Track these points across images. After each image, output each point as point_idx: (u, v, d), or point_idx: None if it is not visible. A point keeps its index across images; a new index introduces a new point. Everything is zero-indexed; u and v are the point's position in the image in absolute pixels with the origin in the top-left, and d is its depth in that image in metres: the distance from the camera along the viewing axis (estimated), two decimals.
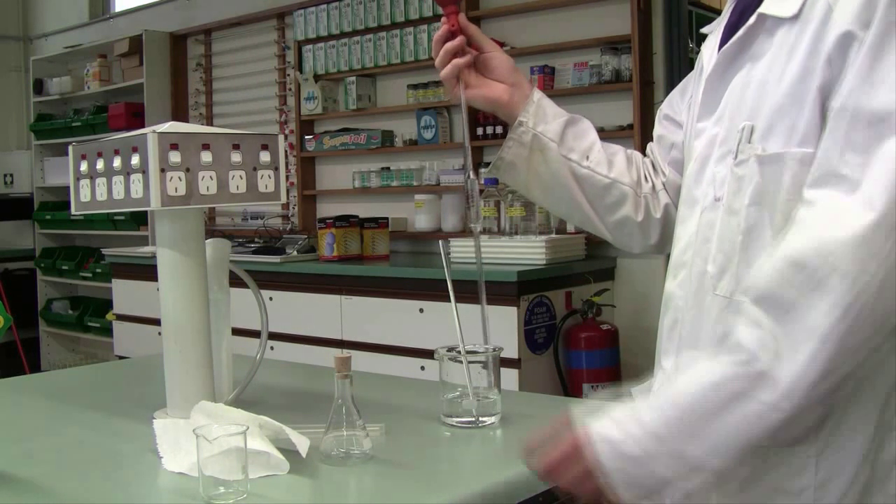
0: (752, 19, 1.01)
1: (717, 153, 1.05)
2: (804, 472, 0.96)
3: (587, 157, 1.28)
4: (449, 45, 1.26)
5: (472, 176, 1.29)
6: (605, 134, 3.62)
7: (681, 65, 3.44)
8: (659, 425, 0.91)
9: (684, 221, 1.11)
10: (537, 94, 1.29)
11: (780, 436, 0.91)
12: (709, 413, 0.89)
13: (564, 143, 1.28)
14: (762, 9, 1.00)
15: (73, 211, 1.44)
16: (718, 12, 1.19)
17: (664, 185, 1.31)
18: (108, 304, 5.15)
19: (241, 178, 1.35)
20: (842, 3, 0.91)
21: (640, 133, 3.44)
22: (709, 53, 1.13)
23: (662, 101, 1.35)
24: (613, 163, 1.30)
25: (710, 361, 0.91)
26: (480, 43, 1.29)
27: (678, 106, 1.28)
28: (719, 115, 1.06)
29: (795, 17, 0.96)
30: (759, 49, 1.01)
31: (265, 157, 1.38)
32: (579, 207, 1.30)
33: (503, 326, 3.11)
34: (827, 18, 0.92)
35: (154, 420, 1.24)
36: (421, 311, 3.35)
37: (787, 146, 0.95)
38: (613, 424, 0.93)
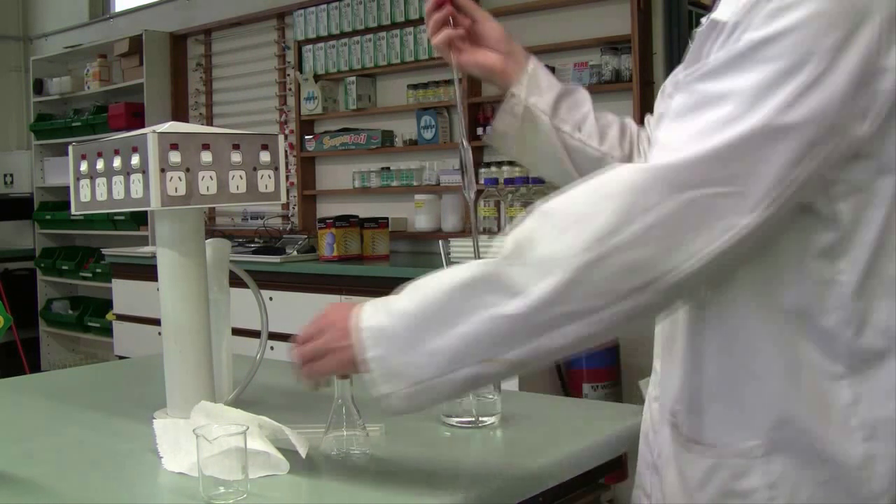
0: (703, 24, 1.01)
1: None
2: (753, 473, 0.95)
3: (579, 129, 1.28)
4: (437, 15, 1.28)
5: (465, 144, 1.28)
6: None
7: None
8: (412, 317, 0.94)
9: None
10: (532, 65, 1.28)
11: (522, 348, 0.91)
12: (453, 311, 0.92)
13: (557, 114, 1.27)
14: (713, 13, 0.99)
15: (73, 211, 1.44)
16: None
17: None
18: (108, 304, 5.14)
19: (241, 178, 1.35)
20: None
21: None
22: None
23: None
24: (606, 135, 1.30)
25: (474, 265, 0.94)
26: (472, 13, 1.29)
27: None
28: None
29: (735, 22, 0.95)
30: (708, 54, 1.00)
31: (265, 157, 1.38)
32: (570, 178, 1.29)
33: None
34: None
35: (154, 420, 1.24)
36: None
37: None
38: (380, 310, 0.97)
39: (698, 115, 0.88)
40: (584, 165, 1.29)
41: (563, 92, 1.29)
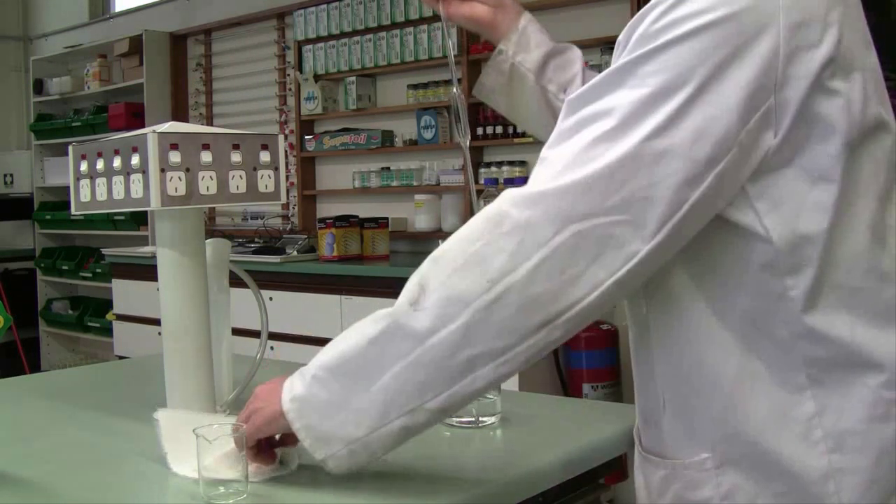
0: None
1: None
2: (705, 485, 0.94)
3: (564, 90, 1.27)
4: None
5: (456, 91, 1.28)
6: None
7: None
8: (332, 380, 0.95)
9: None
10: (524, 21, 1.27)
11: (438, 390, 0.92)
12: (371, 366, 0.92)
13: (544, 74, 1.26)
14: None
15: (73, 211, 1.44)
16: None
17: None
18: (108, 304, 5.15)
19: (241, 178, 1.35)
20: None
21: None
22: None
23: None
24: None
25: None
26: None
27: None
28: None
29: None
30: None
31: (265, 157, 1.38)
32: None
33: None
34: None
35: (157, 415, 1.23)
36: None
37: None
38: (303, 379, 0.98)
39: (578, 134, 0.86)
40: None
41: (553, 51, 1.27)
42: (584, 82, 1.27)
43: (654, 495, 1.01)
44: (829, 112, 0.85)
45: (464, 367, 0.89)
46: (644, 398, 1.03)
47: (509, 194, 0.88)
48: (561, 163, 0.86)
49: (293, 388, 0.99)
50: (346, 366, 0.94)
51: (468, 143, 1.29)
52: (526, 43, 1.26)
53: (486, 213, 0.89)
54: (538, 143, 3.42)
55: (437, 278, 0.90)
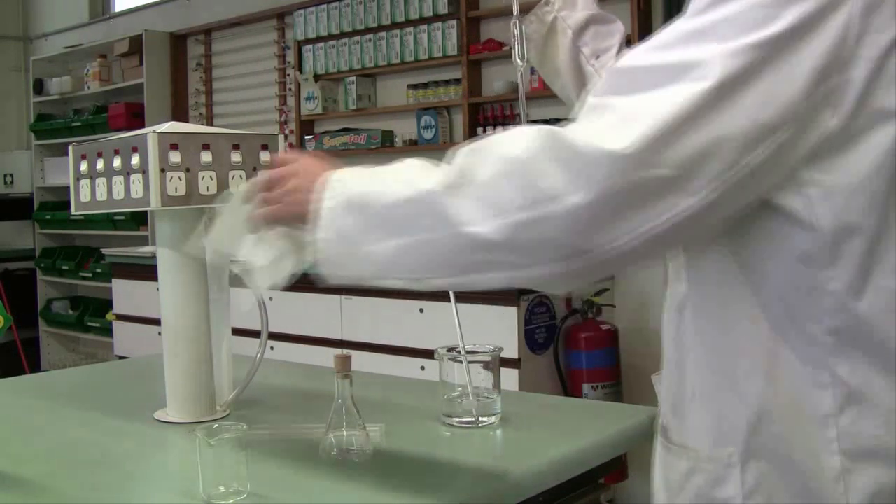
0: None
1: None
2: (728, 482, 0.93)
3: (597, 58, 1.30)
4: None
5: (516, 22, 1.32)
6: None
7: None
8: (361, 214, 0.95)
9: None
10: None
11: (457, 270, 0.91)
12: (395, 223, 0.92)
13: (582, 35, 1.30)
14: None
15: (73, 211, 1.44)
16: None
17: None
18: (108, 304, 5.14)
19: (241, 178, 1.35)
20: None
21: None
22: None
23: None
24: None
25: (417, 168, 0.95)
26: None
27: None
28: None
29: None
30: None
31: (265, 157, 1.38)
32: (574, 99, 1.32)
33: (503, 326, 3.11)
34: None
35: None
36: (421, 311, 3.35)
37: None
38: (341, 193, 0.98)
39: (654, 87, 0.82)
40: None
41: (597, 16, 1.31)
42: (617, 56, 1.29)
43: (673, 492, 0.99)
44: (890, 100, 0.82)
45: (482, 266, 0.88)
46: (673, 387, 1.01)
47: (580, 126, 0.84)
48: (634, 112, 0.82)
49: (333, 198, 0.98)
50: (378, 209, 0.93)
51: (521, 67, 1.31)
52: (573, 1, 1.31)
53: (541, 130, 0.84)
54: None
55: (480, 173, 0.86)
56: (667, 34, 0.85)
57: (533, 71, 3.78)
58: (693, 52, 0.81)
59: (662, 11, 3.51)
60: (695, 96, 0.79)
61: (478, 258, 0.88)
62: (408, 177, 0.94)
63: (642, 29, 3.48)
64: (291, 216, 1.04)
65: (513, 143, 0.86)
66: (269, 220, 1.07)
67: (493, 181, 0.85)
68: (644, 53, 0.85)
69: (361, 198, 0.95)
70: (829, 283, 0.86)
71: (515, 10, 1.33)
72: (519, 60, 1.32)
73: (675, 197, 0.81)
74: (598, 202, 0.81)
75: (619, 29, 1.32)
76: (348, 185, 0.98)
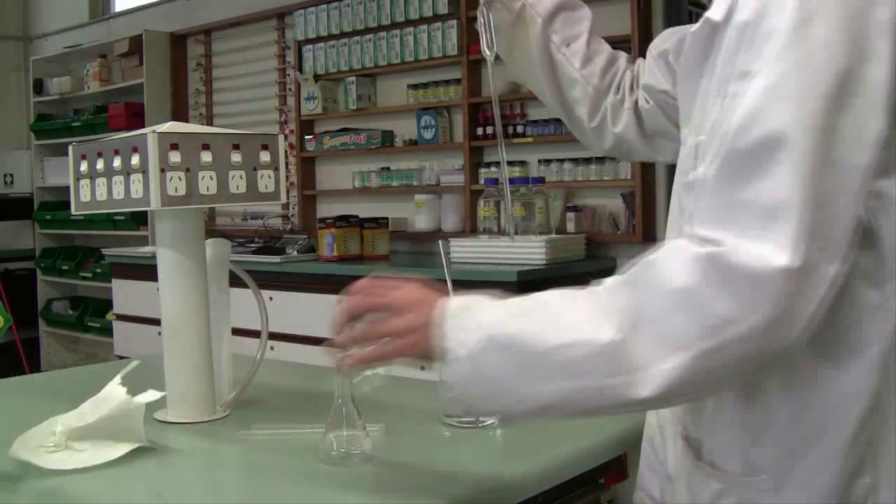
0: (697, 24, 0.96)
1: (687, 165, 1.00)
2: None
3: (567, 45, 1.28)
4: None
5: (482, 7, 1.29)
6: None
7: None
8: (508, 357, 0.87)
9: (678, 229, 1.08)
10: None
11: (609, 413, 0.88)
12: (557, 367, 0.85)
13: (551, 23, 1.28)
14: (708, 12, 0.94)
15: (73, 211, 1.44)
16: None
17: (636, 105, 1.30)
18: (108, 304, 5.15)
19: (241, 178, 1.35)
20: (732, 23, 0.86)
21: None
22: None
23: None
24: (591, 61, 1.29)
25: (578, 309, 0.87)
26: None
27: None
28: (693, 125, 1.01)
29: (724, 22, 0.89)
30: (714, 58, 0.94)
31: (265, 157, 1.38)
32: (544, 89, 1.31)
33: None
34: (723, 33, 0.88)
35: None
36: None
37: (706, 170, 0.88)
38: (473, 329, 0.89)
39: (763, 171, 0.80)
40: (561, 83, 1.29)
41: (566, 3, 1.29)
42: (587, 45, 1.29)
43: None
44: None
45: (653, 405, 0.88)
46: (705, 404, 0.99)
47: (729, 240, 0.80)
48: (768, 210, 0.79)
49: (458, 334, 0.89)
50: (531, 350, 0.86)
51: (493, 57, 1.25)
52: None
53: (695, 255, 0.81)
54: (538, 143, 3.45)
55: (649, 312, 0.82)
56: (748, 96, 0.82)
57: None
58: (773, 121, 0.80)
59: (662, 11, 3.50)
60: (804, 175, 0.78)
61: (671, 400, 0.87)
62: (572, 319, 0.86)
63: (642, 29, 3.48)
64: (414, 354, 0.93)
65: (670, 273, 0.82)
66: (385, 359, 0.96)
67: (665, 317, 0.81)
68: (737, 135, 0.82)
69: (510, 338, 0.87)
70: (888, 301, 0.85)
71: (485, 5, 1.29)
72: (487, 50, 1.28)
73: (831, 271, 0.80)
74: (777, 316, 0.79)
75: (587, 15, 1.31)
76: (486, 321, 0.89)
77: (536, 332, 0.86)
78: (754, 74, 0.82)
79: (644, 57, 1.34)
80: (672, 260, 0.83)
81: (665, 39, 1.28)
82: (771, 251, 0.78)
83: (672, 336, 0.81)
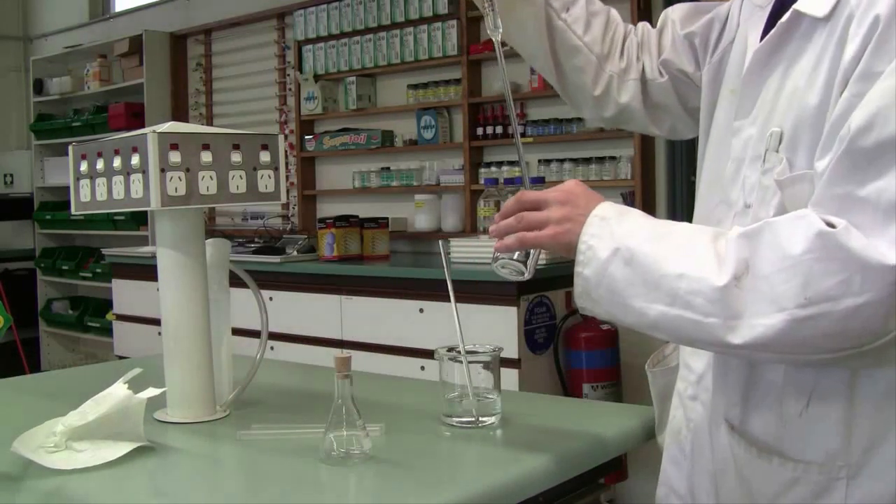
0: (786, 16, 0.97)
1: (750, 155, 1.02)
2: (832, 493, 0.93)
3: (567, 10, 1.26)
4: None
5: None
6: (606, 133, 3.62)
7: None
8: (633, 270, 0.96)
9: (721, 222, 1.08)
10: None
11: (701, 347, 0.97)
12: (670, 291, 0.93)
13: None
14: (797, 5, 0.96)
15: (73, 211, 1.44)
16: None
17: (643, 75, 1.29)
18: (108, 304, 5.14)
19: (241, 178, 1.35)
20: (859, 16, 0.88)
21: (639, 134, 3.44)
22: (754, 37, 1.07)
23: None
24: (591, 25, 1.27)
25: (701, 248, 0.93)
26: None
27: (693, 43, 1.25)
28: (754, 116, 1.03)
29: (828, 17, 0.92)
30: (795, 51, 0.97)
31: (265, 157, 1.38)
32: (545, 57, 1.28)
33: (503, 326, 3.11)
34: (846, 30, 0.89)
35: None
36: (421, 311, 3.35)
37: (808, 163, 0.93)
38: (615, 240, 0.98)
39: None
40: (562, 51, 1.27)
41: None
42: (586, 6, 1.27)
43: (761, 498, 0.99)
44: None
45: (752, 355, 0.93)
46: (742, 382, 1.01)
47: (851, 229, 0.85)
48: (887, 206, 0.84)
49: (605, 241, 0.98)
50: (651, 271, 0.95)
51: (499, 36, 1.21)
52: None
53: (818, 230, 0.86)
54: (538, 143, 3.44)
55: (761, 267, 0.88)
56: (878, 95, 0.85)
57: (533, 71, 3.78)
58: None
59: (662, 9, 3.50)
60: None
61: (759, 354, 0.91)
62: (693, 254, 0.94)
63: None
64: (557, 245, 1.03)
65: (791, 238, 0.87)
66: (529, 244, 1.06)
67: (773, 277, 0.87)
68: (863, 133, 0.85)
69: (640, 256, 0.96)
70: None
71: None
72: (492, 29, 1.20)
73: None
74: (873, 307, 0.83)
75: None
76: (627, 235, 0.98)
77: (661, 257, 0.95)
78: (879, 76, 0.85)
79: (645, 21, 1.33)
80: (795, 226, 0.87)
81: (689, 18, 1.27)
82: (885, 247, 0.81)
83: (775, 296, 0.86)
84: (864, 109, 0.85)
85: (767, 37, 1.01)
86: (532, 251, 1.10)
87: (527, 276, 1.12)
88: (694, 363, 1.12)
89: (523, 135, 3.84)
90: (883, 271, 0.81)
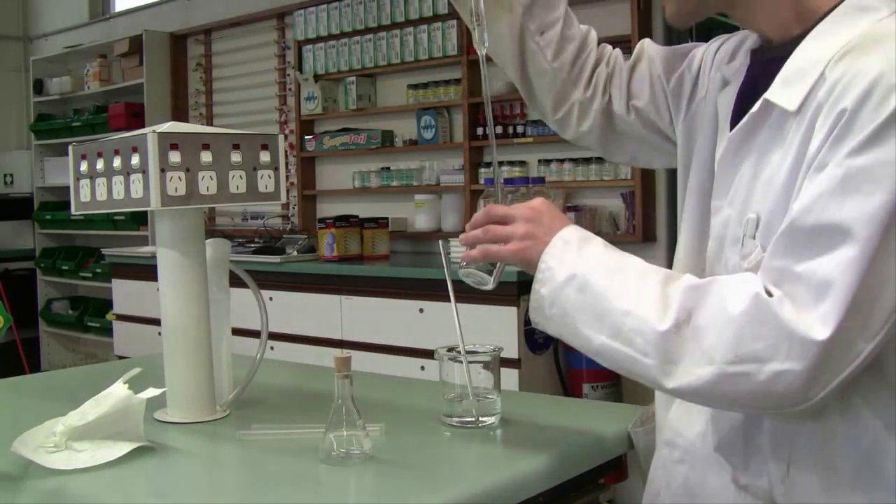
0: (756, 106, 0.99)
1: (730, 237, 1.04)
2: None
3: (541, 34, 1.27)
4: None
5: None
6: None
7: None
8: (587, 295, 1.01)
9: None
10: None
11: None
12: (613, 323, 0.98)
13: (531, 9, 1.26)
14: (768, 94, 0.98)
15: (73, 211, 1.44)
16: (720, 13, 1.16)
17: (608, 105, 1.30)
18: (108, 304, 5.15)
19: (241, 178, 1.35)
20: (826, 109, 0.90)
21: None
22: (724, 115, 1.10)
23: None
24: (563, 50, 1.28)
25: (650, 289, 0.97)
26: None
27: (665, 85, 1.25)
28: (731, 198, 1.04)
29: (797, 110, 0.94)
30: (766, 140, 0.99)
31: (265, 157, 1.38)
32: (516, 73, 1.31)
33: (503, 326, 3.11)
34: (813, 123, 0.91)
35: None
36: (421, 311, 3.35)
37: None
38: (571, 265, 1.03)
39: (823, 253, 0.87)
40: (531, 70, 1.29)
41: None
42: (561, 32, 1.27)
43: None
44: None
45: (671, 393, 0.98)
46: (741, 436, 1.02)
47: (785, 300, 0.89)
48: (819, 285, 0.87)
49: (563, 263, 1.03)
50: (600, 303, 0.99)
51: (484, 51, 1.23)
52: None
53: (756, 295, 0.90)
54: (538, 143, 3.44)
55: (702, 318, 0.93)
56: (824, 182, 0.88)
57: None
58: (845, 211, 0.86)
59: (661, 9, 3.50)
60: (853, 263, 0.85)
61: (688, 397, 0.98)
62: (642, 294, 0.98)
63: (642, 28, 3.48)
64: (519, 260, 1.08)
65: (733, 298, 0.92)
66: (492, 257, 1.11)
67: (710, 330, 0.92)
68: (804, 214, 0.89)
69: (593, 285, 1.01)
70: None
71: None
72: (479, 43, 1.22)
73: (861, 343, 0.87)
74: (796, 375, 0.87)
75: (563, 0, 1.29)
76: (584, 263, 1.03)
77: (612, 291, 0.99)
78: (829, 164, 0.88)
79: (618, 49, 1.32)
80: (738, 288, 0.92)
81: (668, 62, 1.26)
82: (812, 321, 0.86)
83: (707, 348, 0.91)
84: (808, 192, 0.89)
85: (739, 125, 1.02)
86: (498, 263, 1.14)
87: (491, 287, 1.16)
88: (684, 429, 1.10)
89: (523, 135, 3.84)
90: (808, 344, 0.86)
